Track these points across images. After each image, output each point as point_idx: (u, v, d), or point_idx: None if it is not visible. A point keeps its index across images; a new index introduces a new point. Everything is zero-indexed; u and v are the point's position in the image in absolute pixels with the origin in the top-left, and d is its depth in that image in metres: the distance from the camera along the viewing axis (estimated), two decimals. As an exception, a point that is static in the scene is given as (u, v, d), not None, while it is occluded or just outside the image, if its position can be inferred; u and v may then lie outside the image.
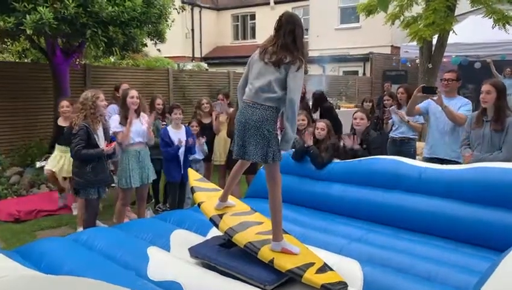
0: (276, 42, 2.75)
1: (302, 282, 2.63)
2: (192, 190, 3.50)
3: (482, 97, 3.93)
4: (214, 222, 3.13)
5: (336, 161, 4.39)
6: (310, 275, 2.62)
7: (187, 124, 5.64)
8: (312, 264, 2.74)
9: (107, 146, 4.30)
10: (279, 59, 2.70)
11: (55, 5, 5.54)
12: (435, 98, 4.41)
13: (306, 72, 2.79)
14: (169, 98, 9.67)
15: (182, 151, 5.14)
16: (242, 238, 2.93)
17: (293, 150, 4.50)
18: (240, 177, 3.58)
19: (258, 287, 2.65)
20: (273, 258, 2.75)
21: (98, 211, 4.50)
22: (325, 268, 2.76)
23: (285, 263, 2.70)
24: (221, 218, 3.13)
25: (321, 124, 4.55)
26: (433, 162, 4.43)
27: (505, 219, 3.24)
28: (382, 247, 3.26)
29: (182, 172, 5.15)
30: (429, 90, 4.48)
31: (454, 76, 4.64)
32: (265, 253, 2.79)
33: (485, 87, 3.91)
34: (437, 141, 4.61)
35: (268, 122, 2.72)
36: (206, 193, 3.46)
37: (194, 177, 3.74)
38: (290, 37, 2.73)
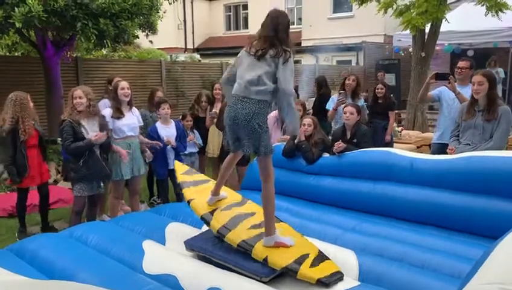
0: (259, 36, 2.78)
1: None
2: (180, 187, 3.45)
3: (474, 88, 3.93)
4: (205, 220, 3.09)
5: (326, 155, 4.40)
6: (305, 271, 2.61)
7: (180, 117, 5.60)
8: (307, 255, 2.74)
9: (96, 136, 4.15)
10: (262, 53, 2.72)
11: (44, -3, 5.47)
12: (448, 84, 4.46)
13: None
14: (162, 90, 9.62)
15: (169, 147, 5.09)
16: (235, 236, 2.90)
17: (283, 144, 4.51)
18: (232, 169, 3.56)
19: (254, 279, 2.65)
20: (267, 256, 2.72)
21: (83, 209, 4.33)
22: (320, 258, 2.76)
23: (279, 260, 2.69)
24: (212, 215, 3.09)
25: (308, 120, 4.55)
26: (442, 148, 4.50)
27: (496, 206, 3.27)
28: (376, 236, 3.28)
29: (171, 167, 5.08)
30: (442, 77, 4.55)
31: (467, 64, 4.68)
32: (258, 251, 2.77)
33: (477, 78, 3.91)
34: (448, 127, 4.61)
35: (259, 116, 2.71)
36: (194, 188, 3.41)
37: (180, 170, 3.67)
38: (272, 30, 2.74)
